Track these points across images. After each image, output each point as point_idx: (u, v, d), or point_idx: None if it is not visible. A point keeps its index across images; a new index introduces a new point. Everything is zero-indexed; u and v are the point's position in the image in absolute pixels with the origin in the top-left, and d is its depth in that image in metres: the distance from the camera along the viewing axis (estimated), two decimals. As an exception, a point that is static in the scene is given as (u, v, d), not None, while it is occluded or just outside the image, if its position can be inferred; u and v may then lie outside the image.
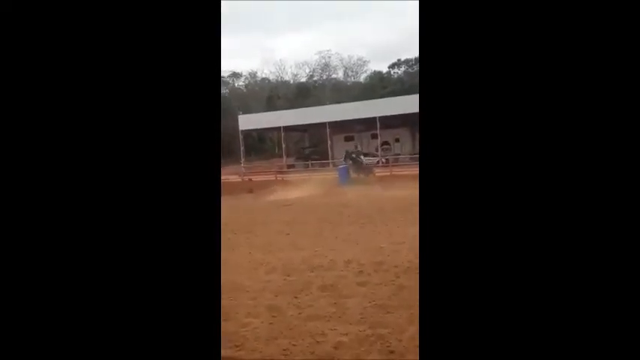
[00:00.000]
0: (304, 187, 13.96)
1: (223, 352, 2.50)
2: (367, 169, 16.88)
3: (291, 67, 44.34)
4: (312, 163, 23.07)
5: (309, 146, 29.93)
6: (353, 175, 16.27)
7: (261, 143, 36.09)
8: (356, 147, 19.70)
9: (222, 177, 17.25)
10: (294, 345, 2.56)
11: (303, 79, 42.33)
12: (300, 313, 3.10)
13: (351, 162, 16.99)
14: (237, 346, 2.58)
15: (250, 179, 17.84)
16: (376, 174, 16.44)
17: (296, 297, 3.46)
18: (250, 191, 14.75)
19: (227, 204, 11.63)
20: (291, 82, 42.72)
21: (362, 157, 17.63)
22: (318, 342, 2.60)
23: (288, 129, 27.16)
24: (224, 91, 43.25)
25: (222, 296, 3.51)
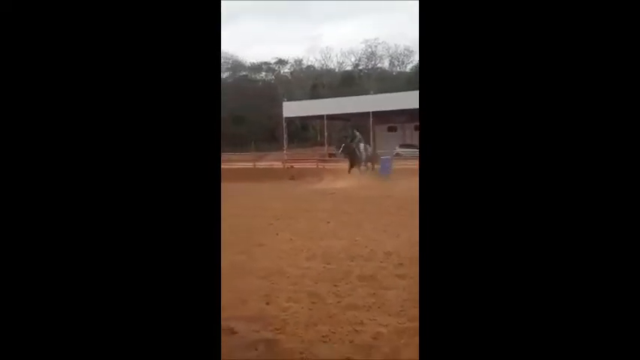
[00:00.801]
0: (345, 176, 13.95)
1: (265, 334, 2.57)
2: (372, 161, 14.87)
3: (336, 55, 44.09)
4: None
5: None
6: (353, 168, 14.28)
7: (303, 131, 36.28)
8: (352, 131, 15.76)
9: (266, 163, 17.53)
10: (333, 332, 2.60)
11: (349, 68, 42.14)
12: (339, 302, 3.13)
13: (347, 156, 14.68)
14: (277, 330, 2.64)
15: (292, 166, 18.02)
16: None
17: (335, 285, 3.49)
18: (292, 178, 14.92)
19: (270, 190, 11.83)
20: (337, 70, 42.60)
21: (362, 146, 14.84)
22: (357, 331, 2.62)
23: (331, 117, 27.17)
24: (270, 77, 43.65)
25: (265, 280, 3.63)
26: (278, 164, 19.37)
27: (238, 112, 39.20)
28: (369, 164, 14.92)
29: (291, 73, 44.05)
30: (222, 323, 2.69)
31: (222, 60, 44.25)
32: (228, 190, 11.84)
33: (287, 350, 2.38)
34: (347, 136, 15.15)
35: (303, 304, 3.07)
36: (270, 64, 43.90)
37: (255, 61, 44.21)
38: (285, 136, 27.99)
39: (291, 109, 27.45)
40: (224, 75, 45.13)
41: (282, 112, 27.63)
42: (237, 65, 44.61)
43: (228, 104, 40.44)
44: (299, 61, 43.92)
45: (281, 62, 43.93)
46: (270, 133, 34.74)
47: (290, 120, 28.63)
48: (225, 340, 2.49)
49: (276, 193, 11.23)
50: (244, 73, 44.76)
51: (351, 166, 14.56)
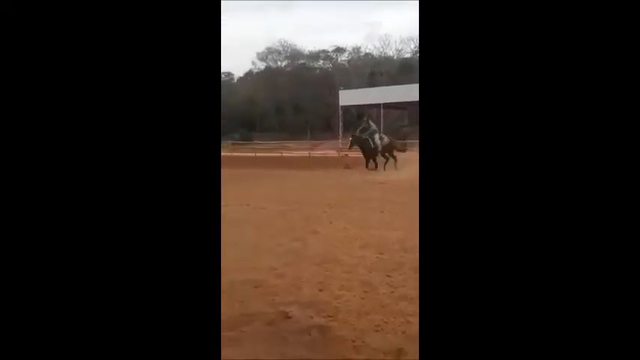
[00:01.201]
0: (400, 164, 13.77)
1: (318, 321, 2.63)
2: (389, 152, 13.74)
3: (395, 42, 43.43)
4: (408, 142, 22.66)
5: (406, 124, 29.39)
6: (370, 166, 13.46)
7: (359, 120, 36.07)
8: (367, 121, 14.53)
9: (322, 152, 17.64)
10: (385, 322, 2.61)
11: (408, 55, 41.40)
12: (392, 292, 3.13)
13: (359, 148, 13.84)
14: (330, 317, 2.68)
15: (347, 155, 18.01)
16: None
17: (389, 275, 3.49)
18: (347, 167, 14.92)
19: (324, 178, 11.92)
20: (395, 57, 41.97)
21: (377, 137, 13.69)
22: (409, 322, 2.61)
23: (388, 106, 26.86)
24: (328, 65, 43.67)
25: (319, 267, 3.68)
26: (333, 153, 19.45)
27: (295, 100, 39.58)
28: (387, 156, 13.93)
29: (349, 61, 43.90)
30: (277, 308, 2.79)
31: (280, 48, 44.94)
32: (285, 178, 11.97)
33: (339, 337, 2.42)
34: (362, 128, 14.18)
35: (355, 293, 3.10)
36: (328, 52, 43.98)
37: (313, 49, 44.44)
38: (340, 124, 27.98)
39: (348, 97, 27.38)
40: (282, 63, 45.68)
41: (338, 100, 27.61)
42: (296, 54, 44.96)
43: (285, 93, 40.96)
44: (357, 49, 43.69)
45: (339, 50, 43.89)
46: (326, 121, 34.85)
47: (346, 108, 28.57)
48: (280, 324, 2.57)
49: (331, 182, 11.29)
50: (302, 61, 45.08)
51: (367, 159, 13.75)
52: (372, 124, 14.32)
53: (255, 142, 30.82)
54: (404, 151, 14.47)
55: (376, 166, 13.58)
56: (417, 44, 41.36)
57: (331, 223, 5.69)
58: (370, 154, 13.72)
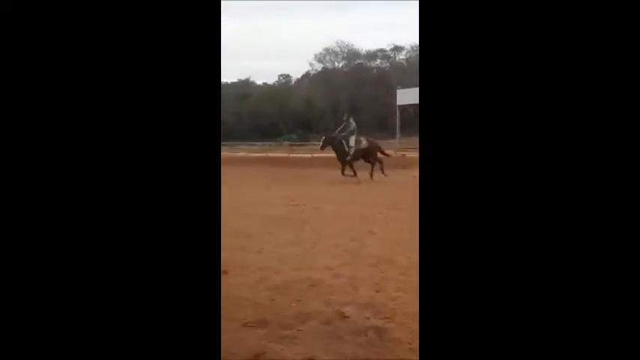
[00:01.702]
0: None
1: (374, 322, 2.62)
2: (368, 158, 11.82)
3: (455, 39, 42.22)
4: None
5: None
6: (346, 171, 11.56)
7: (417, 119, 35.53)
8: (348, 119, 12.19)
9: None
10: (443, 326, 2.56)
11: (468, 52, 40.20)
12: (450, 296, 3.06)
13: (333, 149, 11.90)
14: (387, 318, 2.67)
15: (404, 155, 17.78)
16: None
17: (447, 279, 3.41)
18: (404, 167, 14.70)
19: (381, 178, 11.79)
20: (455, 55, 40.91)
21: (353, 139, 11.67)
22: (468, 327, 2.55)
23: (448, 105, 26.21)
24: (385, 65, 43.27)
25: (376, 268, 3.67)
26: (390, 152, 19.22)
27: (352, 100, 39.57)
28: (372, 160, 11.85)
29: (407, 59, 43.25)
30: (334, 307, 2.81)
31: (337, 49, 45.05)
32: (341, 178, 11.93)
33: (395, 339, 2.40)
34: (342, 127, 12.13)
35: (412, 295, 3.05)
36: (386, 51, 43.61)
37: (370, 49, 44.20)
38: (397, 124, 27.65)
39: (405, 96, 26.98)
40: (340, 64, 45.80)
41: (395, 100, 27.31)
42: (353, 54, 44.92)
43: (342, 93, 41.02)
44: (415, 47, 42.89)
45: (397, 49, 43.41)
46: (383, 121, 34.58)
47: (404, 108, 28.19)
48: (337, 324, 2.58)
49: (387, 182, 11.20)
50: (359, 61, 44.97)
51: (341, 164, 11.81)
52: (352, 122, 12.05)
53: (312, 142, 31.09)
54: (388, 155, 12.74)
55: (355, 173, 11.58)
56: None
57: (387, 224, 5.65)
58: (342, 158, 11.68)
